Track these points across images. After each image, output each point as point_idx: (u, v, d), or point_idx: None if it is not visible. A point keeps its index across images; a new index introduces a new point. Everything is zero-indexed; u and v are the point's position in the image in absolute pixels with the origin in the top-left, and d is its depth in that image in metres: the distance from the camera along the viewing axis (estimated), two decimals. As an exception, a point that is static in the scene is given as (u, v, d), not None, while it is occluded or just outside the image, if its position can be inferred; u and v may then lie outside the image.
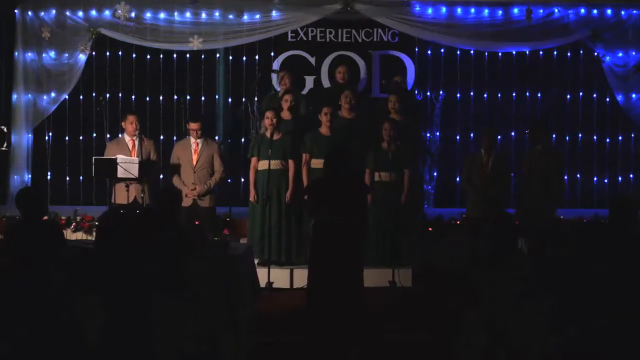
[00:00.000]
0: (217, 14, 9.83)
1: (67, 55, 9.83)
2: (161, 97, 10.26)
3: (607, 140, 10.41)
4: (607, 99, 10.30)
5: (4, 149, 8.73)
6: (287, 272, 8.43)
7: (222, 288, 4.97)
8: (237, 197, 9.74)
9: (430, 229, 9.08)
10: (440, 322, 6.43)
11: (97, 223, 7.18)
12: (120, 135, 8.92)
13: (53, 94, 9.92)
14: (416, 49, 10.31)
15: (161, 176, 9.53)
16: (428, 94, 10.32)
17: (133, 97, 10.21)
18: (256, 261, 7.98)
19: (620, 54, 9.99)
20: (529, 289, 4.11)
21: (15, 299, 3.48)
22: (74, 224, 9.18)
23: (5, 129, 8.75)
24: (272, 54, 10.26)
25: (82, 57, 9.84)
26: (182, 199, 7.24)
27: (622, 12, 9.97)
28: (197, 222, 8.31)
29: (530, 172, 8.47)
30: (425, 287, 7.52)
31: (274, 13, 9.84)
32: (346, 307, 6.36)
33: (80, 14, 9.81)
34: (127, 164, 8.16)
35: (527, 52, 10.23)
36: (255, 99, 9.74)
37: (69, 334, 3.28)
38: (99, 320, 3.35)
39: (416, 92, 10.15)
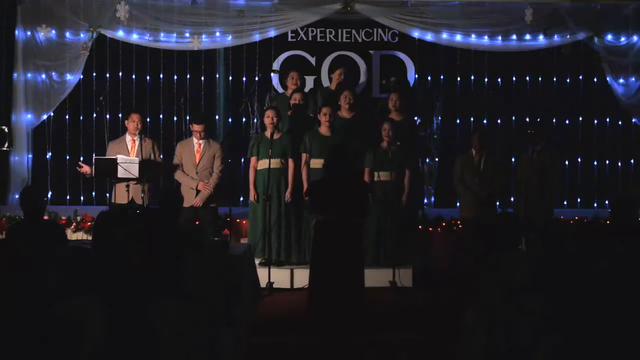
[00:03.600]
0: (217, 14, 9.83)
1: (66, 54, 9.82)
2: (161, 97, 10.26)
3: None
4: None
5: (5, 148, 8.73)
6: (288, 272, 8.43)
7: (222, 288, 4.98)
8: (237, 197, 9.74)
9: (430, 229, 9.10)
10: (440, 323, 6.44)
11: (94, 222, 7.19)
12: (122, 135, 8.91)
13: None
14: (416, 49, 10.31)
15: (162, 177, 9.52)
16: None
17: (133, 98, 10.22)
18: (257, 261, 7.99)
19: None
20: (529, 289, 4.11)
21: (15, 298, 3.48)
22: (74, 224, 9.19)
23: (6, 129, 8.75)
24: (272, 53, 10.27)
25: (81, 57, 9.85)
26: (182, 198, 7.24)
27: (623, 9, 9.97)
28: (197, 222, 8.32)
29: (529, 172, 8.46)
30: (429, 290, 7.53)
31: (274, 13, 9.84)
32: (346, 307, 6.36)
33: (80, 14, 9.80)
34: (127, 164, 8.17)
35: (527, 52, 10.24)
36: (255, 98, 9.75)
37: (68, 335, 3.28)
38: (98, 320, 3.35)
39: (416, 92, 10.16)
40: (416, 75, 10.25)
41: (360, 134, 8.69)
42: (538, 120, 9.98)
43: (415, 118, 9.45)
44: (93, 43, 9.86)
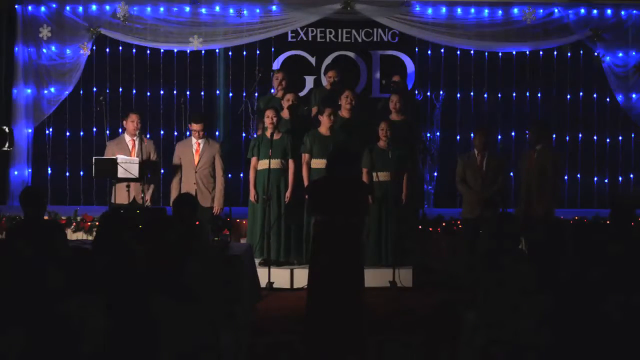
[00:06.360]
0: (217, 14, 9.84)
1: (66, 55, 9.84)
2: (161, 97, 10.26)
3: (608, 140, 10.41)
4: (607, 99, 10.30)
5: (5, 148, 8.72)
6: (287, 272, 8.42)
7: (222, 288, 4.98)
8: (237, 197, 9.73)
9: (430, 229, 9.09)
10: (440, 323, 6.44)
11: (97, 223, 7.20)
12: (120, 135, 8.92)
13: (53, 90, 9.90)
14: (416, 49, 10.32)
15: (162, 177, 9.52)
16: (428, 93, 10.33)
17: (133, 97, 10.22)
18: (257, 261, 7.98)
19: (621, 54, 10.01)
20: (529, 289, 4.12)
21: (15, 299, 3.48)
22: (74, 224, 9.18)
23: (7, 130, 8.74)
24: (272, 54, 10.27)
25: (82, 57, 9.85)
26: (198, 203, 7.26)
27: (622, 12, 9.98)
28: (197, 222, 8.30)
29: (529, 171, 8.45)
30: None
31: (274, 13, 9.85)
32: (346, 307, 6.35)
33: (80, 13, 9.82)
34: (127, 164, 8.16)
35: (527, 52, 10.23)
36: (255, 98, 9.75)
37: (68, 335, 3.29)
38: (99, 320, 3.35)
39: (416, 92, 10.15)
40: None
41: (359, 133, 8.68)
42: (538, 120, 9.93)
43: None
44: (93, 43, 9.88)
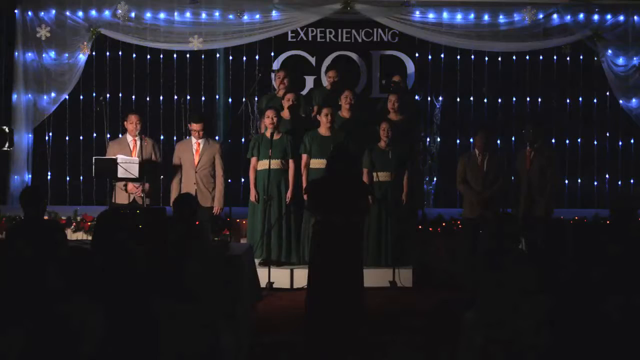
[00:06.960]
0: (217, 14, 9.84)
1: (67, 55, 9.86)
2: (161, 97, 10.27)
3: (607, 143, 10.40)
4: (608, 100, 10.29)
5: (5, 148, 8.72)
6: (287, 272, 8.43)
7: (222, 288, 4.98)
8: (237, 197, 9.73)
9: (430, 229, 9.09)
10: (440, 322, 6.43)
11: (95, 222, 7.20)
12: (121, 135, 8.92)
13: (53, 94, 9.95)
14: (416, 49, 10.32)
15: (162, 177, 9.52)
16: (428, 94, 10.32)
17: (133, 97, 10.22)
18: (257, 261, 7.98)
19: (621, 55, 10.00)
20: (529, 289, 4.12)
21: (15, 299, 3.48)
22: (74, 224, 9.18)
23: (7, 129, 8.73)
24: (272, 54, 10.27)
25: (82, 57, 9.86)
26: (198, 203, 7.26)
27: (622, 13, 9.97)
28: (197, 222, 8.30)
29: (526, 171, 8.45)
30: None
31: (274, 13, 9.85)
32: (346, 307, 6.35)
33: (80, 14, 9.83)
34: (127, 164, 8.16)
35: (527, 52, 10.23)
36: (256, 98, 9.74)
37: (68, 335, 3.28)
38: (99, 321, 3.35)
39: (416, 92, 10.15)
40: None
41: (359, 133, 8.68)
42: (536, 119, 9.92)
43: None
44: (93, 42, 9.88)
